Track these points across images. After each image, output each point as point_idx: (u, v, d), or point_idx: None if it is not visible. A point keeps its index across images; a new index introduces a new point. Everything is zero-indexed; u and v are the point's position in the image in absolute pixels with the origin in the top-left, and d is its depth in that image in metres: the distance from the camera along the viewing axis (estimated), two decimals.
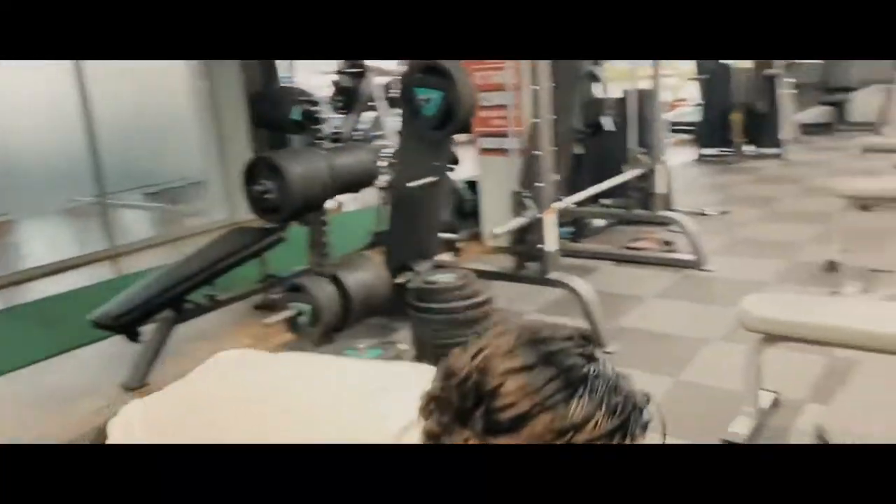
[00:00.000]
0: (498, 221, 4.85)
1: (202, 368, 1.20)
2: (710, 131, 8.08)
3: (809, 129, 9.00)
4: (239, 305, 4.04)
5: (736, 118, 7.81)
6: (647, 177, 4.47)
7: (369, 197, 5.30)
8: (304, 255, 4.37)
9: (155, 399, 1.15)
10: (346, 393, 1.02)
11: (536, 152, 3.14)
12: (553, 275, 3.32)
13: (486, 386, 0.75)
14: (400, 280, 3.52)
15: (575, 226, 5.02)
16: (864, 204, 4.78)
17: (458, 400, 0.77)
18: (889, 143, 5.61)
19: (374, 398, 0.99)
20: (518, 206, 3.28)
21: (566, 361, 0.76)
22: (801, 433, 2.47)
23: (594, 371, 0.76)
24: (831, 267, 4.02)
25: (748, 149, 7.89)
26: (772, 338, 2.34)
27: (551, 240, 3.29)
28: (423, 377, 0.94)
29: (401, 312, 3.59)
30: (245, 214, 3.37)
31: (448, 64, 3.05)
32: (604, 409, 0.74)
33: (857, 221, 4.54)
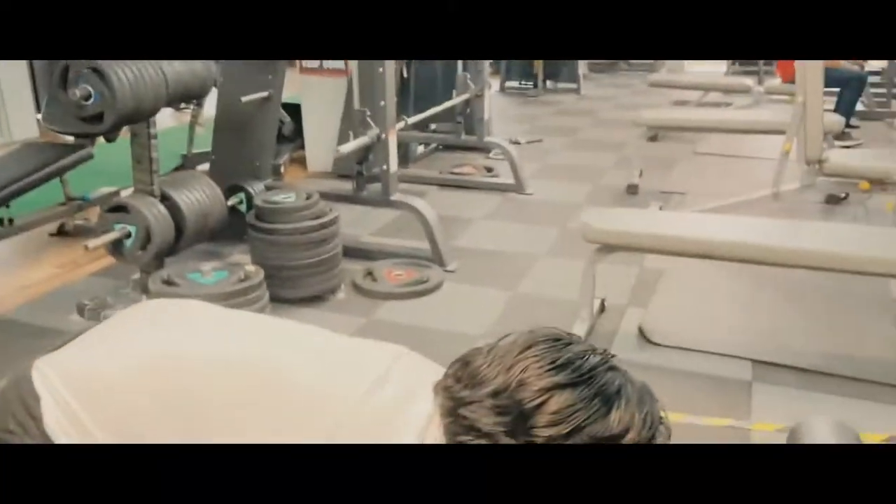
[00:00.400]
0: (323, 144, 4.74)
1: (134, 321, 1.08)
2: (513, 65, 8.43)
3: (595, 67, 9.75)
4: (35, 232, 3.58)
5: None
6: (471, 103, 4.58)
7: (164, 119, 4.85)
8: (110, 176, 3.96)
9: (85, 365, 0.98)
10: (312, 355, 1.01)
11: (380, 69, 3.08)
12: (395, 196, 3.32)
13: (527, 402, 0.78)
14: (233, 201, 3.33)
15: (399, 151, 5.02)
16: (653, 135, 5.37)
17: (494, 411, 0.78)
18: (672, 79, 6.31)
19: (339, 360, 0.99)
20: (359, 126, 3.21)
21: (601, 378, 0.80)
22: (626, 333, 2.78)
23: (624, 382, 0.82)
24: (632, 189, 4.46)
25: (548, 83, 8.36)
26: (608, 248, 2.57)
27: (393, 160, 3.28)
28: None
29: (231, 236, 3.41)
30: (25, 133, 2.91)
31: None
32: (637, 418, 0.80)
33: (648, 150, 5.09)
